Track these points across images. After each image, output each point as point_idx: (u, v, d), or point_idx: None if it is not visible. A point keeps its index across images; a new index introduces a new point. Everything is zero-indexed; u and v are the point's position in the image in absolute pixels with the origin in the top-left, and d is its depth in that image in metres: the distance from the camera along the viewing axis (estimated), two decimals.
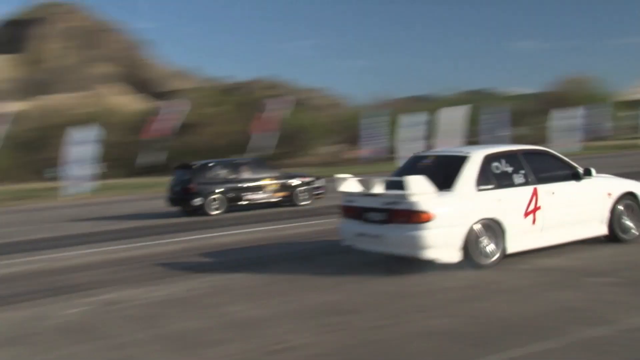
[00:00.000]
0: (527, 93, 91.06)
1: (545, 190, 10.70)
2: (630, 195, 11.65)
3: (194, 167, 22.89)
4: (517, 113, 64.23)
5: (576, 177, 11.20)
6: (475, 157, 10.42)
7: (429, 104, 60.47)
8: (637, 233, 11.66)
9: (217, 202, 22.48)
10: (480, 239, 10.06)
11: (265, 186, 23.22)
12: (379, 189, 10.21)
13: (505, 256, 10.23)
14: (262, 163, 23.86)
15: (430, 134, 43.56)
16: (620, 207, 11.51)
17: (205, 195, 22.32)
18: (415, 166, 10.86)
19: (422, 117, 44.15)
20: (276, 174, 23.51)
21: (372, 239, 10.39)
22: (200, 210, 22.18)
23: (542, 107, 69.17)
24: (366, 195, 10.43)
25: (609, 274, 9.25)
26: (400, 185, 9.80)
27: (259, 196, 23.14)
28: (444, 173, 10.26)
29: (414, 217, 9.71)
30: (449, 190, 9.97)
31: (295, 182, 23.62)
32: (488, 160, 10.49)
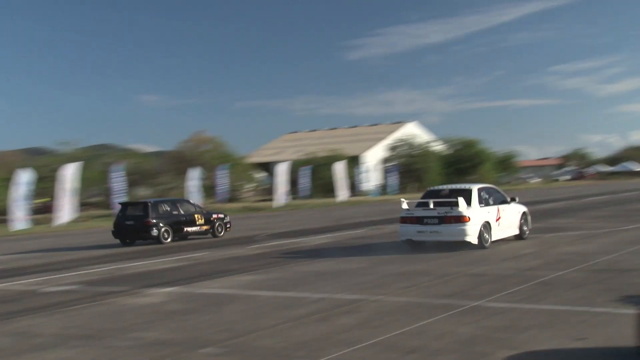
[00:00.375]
0: (156, 150, 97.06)
1: (501, 208, 20.08)
2: (524, 213, 21.34)
3: (149, 204, 27.81)
4: (143, 171, 65.23)
5: (509, 202, 20.79)
6: (475, 189, 19.61)
7: (45, 159, 61.79)
8: (528, 232, 21.47)
9: (168, 232, 27.74)
10: (484, 232, 18.93)
11: (196, 220, 28.96)
12: (431, 206, 19.09)
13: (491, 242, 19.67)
14: (189, 201, 30.01)
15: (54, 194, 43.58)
16: (522, 220, 21.18)
17: (159, 227, 27.42)
18: (438, 194, 19.87)
19: (30, 175, 42.40)
20: (201, 210, 29.46)
21: (430, 234, 18.92)
22: (154, 240, 27.29)
23: (171, 166, 68.70)
24: (424, 209, 19.11)
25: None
26: (447, 204, 18.81)
27: (193, 228, 28.76)
28: (454, 195, 19.37)
29: (463, 219, 18.50)
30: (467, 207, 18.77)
31: (213, 216, 29.54)
32: (479, 191, 19.67)
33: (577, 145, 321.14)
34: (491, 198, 20.19)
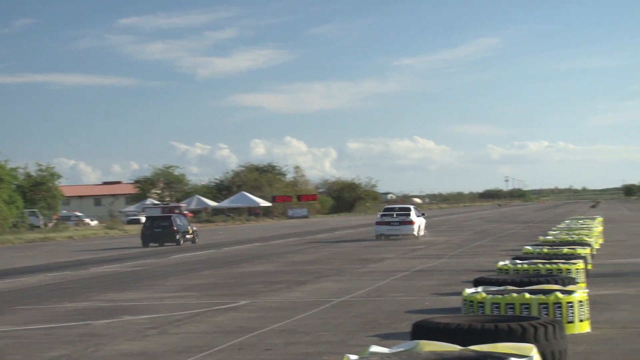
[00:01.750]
0: None
1: (421, 218, 41.67)
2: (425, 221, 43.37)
3: (172, 217, 44.01)
4: None
5: (421, 215, 42.19)
6: (412, 207, 42.21)
7: None
8: (425, 233, 42.59)
9: (184, 237, 43.20)
10: (421, 230, 40.89)
11: (190, 228, 44.74)
12: (394, 215, 40.30)
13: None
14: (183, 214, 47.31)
15: None
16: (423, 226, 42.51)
17: (181, 232, 42.93)
18: (392, 209, 41.39)
19: None
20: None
21: (394, 230, 39.64)
22: (174, 242, 42.15)
23: None
24: (390, 216, 40.25)
25: None
26: (404, 212, 40.62)
27: (189, 235, 44.11)
28: (403, 211, 40.94)
29: (410, 222, 39.55)
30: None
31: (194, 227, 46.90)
32: (414, 208, 41.72)
33: (169, 160, 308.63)
34: (418, 212, 41.86)
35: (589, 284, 16.41)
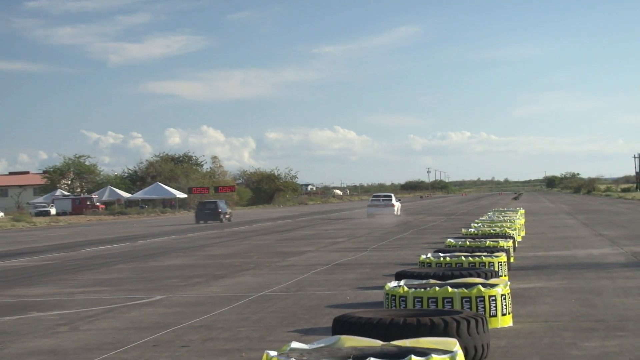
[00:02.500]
0: None
1: (398, 203, 62.56)
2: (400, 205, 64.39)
3: (217, 201, 62.37)
4: None
5: (399, 201, 63.75)
6: (392, 195, 64.17)
7: None
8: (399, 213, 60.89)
9: (225, 216, 60.51)
10: (398, 211, 60.38)
11: (228, 210, 63.64)
12: (380, 200, 61.87)
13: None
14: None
15: None
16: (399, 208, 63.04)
17: (223, 213, 60.27)
18: (379, 196, 63.56)
19: None
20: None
21: (380, 211, 58.35)
22: (218, 220, 59.05)
23: None
24: (378, 201, 61.45)
25: None
26: (387, 198, 61.72)
27: (228, 215, 61.74)
28: (386, 197, 62.60)
29: (392, 205, 59.39)
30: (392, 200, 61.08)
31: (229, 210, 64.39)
32: (395, 195, 65.75)
33: (80, 149, 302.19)
34: (396, 198, 62.53)
35: (512, 277, 16.73)
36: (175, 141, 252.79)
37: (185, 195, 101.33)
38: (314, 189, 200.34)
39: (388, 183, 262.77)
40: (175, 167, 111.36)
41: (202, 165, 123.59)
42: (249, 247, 31.77)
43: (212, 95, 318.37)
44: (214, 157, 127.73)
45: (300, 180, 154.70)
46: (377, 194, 68.99)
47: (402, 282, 12.03)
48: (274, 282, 18.36)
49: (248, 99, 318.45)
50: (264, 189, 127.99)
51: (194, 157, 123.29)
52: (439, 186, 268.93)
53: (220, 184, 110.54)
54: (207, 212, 60.21)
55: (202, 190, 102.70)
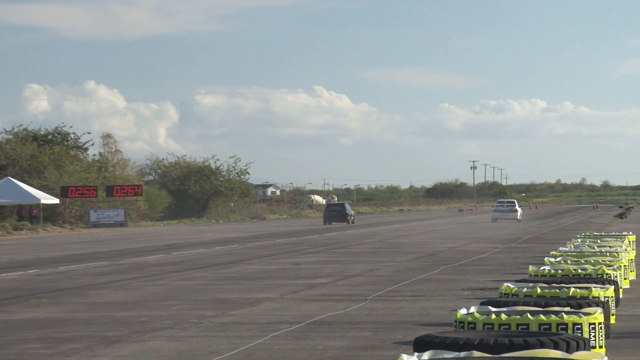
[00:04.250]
0: None
1: (520, 209, 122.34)
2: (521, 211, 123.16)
3: (344, 203, 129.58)
4: None
5: (520, 207, 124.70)
6: (515, 201, 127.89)
7: None
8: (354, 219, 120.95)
9: (351, 218, 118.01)
10: (521, 217, 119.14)
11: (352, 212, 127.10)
12: (504, 205, 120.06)
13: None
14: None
15: None
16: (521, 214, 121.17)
17: (349, 215, 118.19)
18: (503, 202, 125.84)
19: None
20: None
21: (504, 215, 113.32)
22: (345, 221, 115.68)
23: None
24: (331, 206, 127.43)
25: None
26: (510, 204, 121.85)
27: (352, 216, 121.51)
28: (510, 203, 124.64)
29: (516, 211, 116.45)
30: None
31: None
32: (516, 202, 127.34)
33: None
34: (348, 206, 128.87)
35: (611, 350, 16.79)
36: (40, 106, 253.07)
37: (55, 200, 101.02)
38: (278, 193, 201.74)
39: (405, 185, 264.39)
40: (39, 151, 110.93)
41: (87, 149, 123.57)
42: (164, 290, 31.96)
43: (105, 29, 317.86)
44: (107, 136, 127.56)
45: (255, 178, 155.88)
46: (501, 200, 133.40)
47: (426, 356, 12.06)
48: (206, 352, 18.48)
49: (165, 36, 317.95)
50: (192, 191, 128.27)
51: (72, 136, 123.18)
52: (492, 192, 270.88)
53: (117, 182, 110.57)
54: (335, 214, 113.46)
55: (86, 193, 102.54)
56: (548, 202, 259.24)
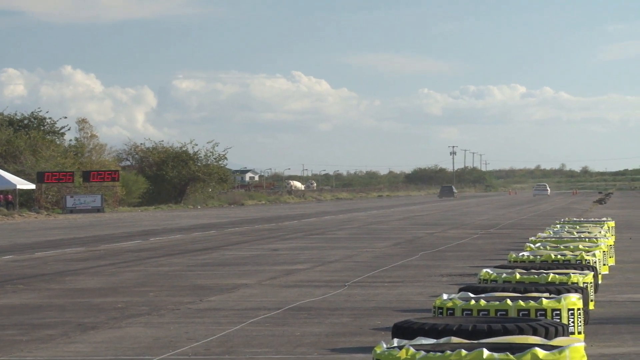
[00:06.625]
0: None
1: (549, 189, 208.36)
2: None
3: (452, 186, 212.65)
4: None
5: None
6: (546, 184, 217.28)
7: None
8: None
9: (454, 193, 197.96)
10: (551, 195, 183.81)
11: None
12: (541, 187, 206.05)
13: None
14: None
15: None
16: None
17: (455, 193, 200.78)
18: (540, 185, 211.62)
19: None
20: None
21: (542, 192, 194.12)
22: (452, 197, 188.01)
23: None
24: (541, 188, 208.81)
25: None
26: (543, 186, 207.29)
27: (456, 193, 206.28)
28: (543, 186, 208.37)
29: (547, 190, 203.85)
30: None
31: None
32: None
33: None
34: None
35: (590, 336, 16.83)
36: (16, 91, 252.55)
37: (31, 186, 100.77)
38: (257, 178, 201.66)
39: (384, 171, 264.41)
40: (15, 136, 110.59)
41: (63, 134, 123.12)
42: (141, 276, 31.90)
43: (82, 14, 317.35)
44: (83, 121, 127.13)
45: (234, 163, 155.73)
46: (540, 183, 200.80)
47: (404, 342, 12.02)
48: (184, 339, 18.44)
49: (143, 20, 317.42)
50: (170, 176, 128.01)
51: (48, 120, 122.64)
52: (471, 178, 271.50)
53: (93, 168, 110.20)
54: (446, 191, 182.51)
55: (62, 178, 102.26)
56: (526, 189, 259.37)
